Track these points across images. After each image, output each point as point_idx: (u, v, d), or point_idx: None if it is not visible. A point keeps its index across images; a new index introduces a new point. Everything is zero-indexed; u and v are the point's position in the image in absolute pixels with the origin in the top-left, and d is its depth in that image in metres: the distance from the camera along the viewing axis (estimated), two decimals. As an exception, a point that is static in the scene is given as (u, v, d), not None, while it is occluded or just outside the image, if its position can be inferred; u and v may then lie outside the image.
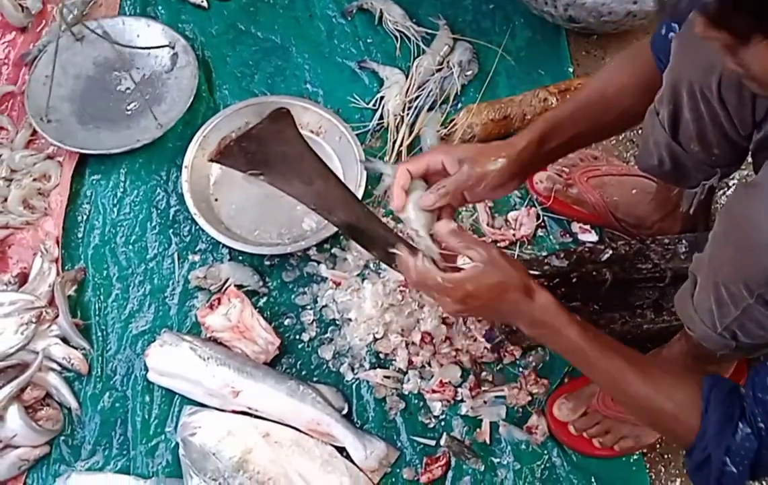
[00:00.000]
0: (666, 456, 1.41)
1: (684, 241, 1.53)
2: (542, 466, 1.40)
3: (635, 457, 1.40)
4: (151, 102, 1.82)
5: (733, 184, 1.71)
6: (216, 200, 1.71)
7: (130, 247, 1.65)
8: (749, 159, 1.34)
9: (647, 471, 1.39)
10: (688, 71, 1.25)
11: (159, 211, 1.69)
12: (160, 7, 2.04)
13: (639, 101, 1.33)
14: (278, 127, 1.15)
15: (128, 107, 1.85)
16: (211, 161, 1.14)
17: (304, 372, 1.50)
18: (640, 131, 1.79)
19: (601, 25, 1.88)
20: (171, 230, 1.66)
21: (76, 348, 1.50)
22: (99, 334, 1.53)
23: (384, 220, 1.53)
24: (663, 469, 1.40)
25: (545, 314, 1.16)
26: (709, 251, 1.12)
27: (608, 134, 1.49)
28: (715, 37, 0.88)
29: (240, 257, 1.62)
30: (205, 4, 2.05)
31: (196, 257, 1.63)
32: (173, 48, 1.92)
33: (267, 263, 1.62)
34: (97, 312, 1.56)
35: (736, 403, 1.06)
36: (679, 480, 1.39)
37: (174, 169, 1.75)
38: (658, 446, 1.41)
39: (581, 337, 1.15)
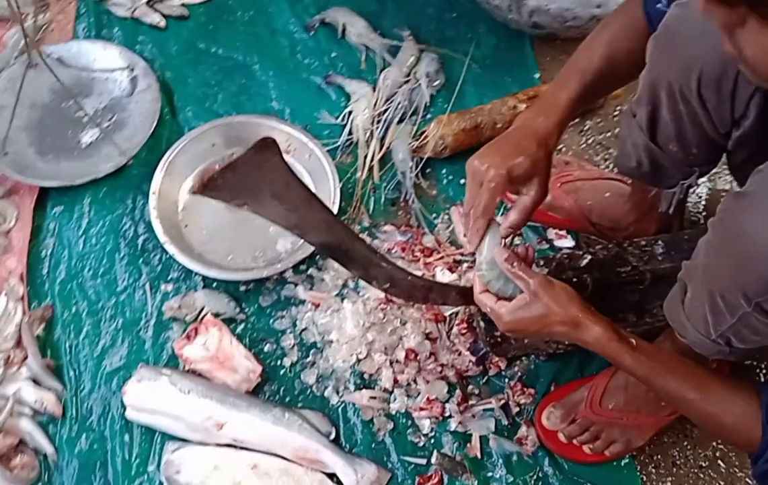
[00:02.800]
0: (656, 458, 1.44)
1: (660, 242, 1.56)
2: (534, 477, 1.41)
3: (626, 461, 1.43)
4: (112, 129, 1.80)
5: (704, 184, 1.75)
6: (186, 226, 1.69)
7: (99, 280, 1.62)
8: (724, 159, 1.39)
9: (638, 473, 1.42)
10: (666, 72, 1.28)
11: (127, 241, 1.67)
12: (115, 29, 2.02)
13: (644, 62, 1.34)
14: (263, 156, 1.14)
15: (89, 135, 1.81)
16: (195, 193, 1.13)
17: (288, 399, 1.49)
18: (608, 135, 1.84)
19: (566, 30, 1.92)
20: (141, 260, 1.64)
21: (48, 390, 1.47)
22: (72, 373, 1.50)
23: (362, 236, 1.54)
24: (654, 471, 1.43)
25: (597, 347, 1.20)
26: (703, 261, 1.13)
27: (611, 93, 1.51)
28: (713, 13, 0.89)
29: (214, 284, 1.61)
30: (162, 24, 2.04)
31: (169, 287, 1.61)
32: (132, 71, 1.89)
33: (242, 288, 1.61)
34: (68, 351, 1.53)
35: None
36: (669, 479, 1.42)
37: (140, 196, 1.72)
38: (647, 448, 1.44)
39: (635, 366, 1.18)
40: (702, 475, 1.42)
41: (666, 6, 1.27)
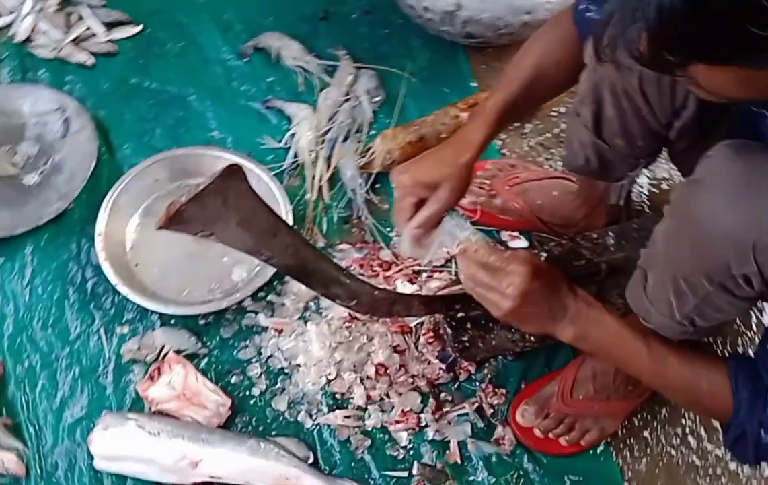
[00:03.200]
0: (629, 441, 1.48)
1: (611, 233, 1.62)
2: (515, 475, 1.43)
3: (601, 448, 1.46)
4: (49, 173, 1.75)
5: (642, 173, 1.82)
6: (136, 265, 1.65)
7: (50, 330, 1.56)
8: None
9: (614, 459, 1.45)
10: (607, 73, 1.33)
11: (75, 287, 1.62)
12: (41, 71, 1.97)
13: (572, 72, 1.39)
14: (229, 184, 1.11)
15: (25, 182, 1.75)
16: (161, 228, 1.09)
17: (261, 428, 1.46)
18: (549, 136, 1.90)
19: (498, 38, 1.97)
20: (92, 305, 1.59)
21: (7, 450, 1.40)
22: (31, 430, 1.44)
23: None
24: (629, 454, 1.46)
25: (587, 306, 1.23)
26: (664, 249, 1.17)
27: (542, 105, 1.56)
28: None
29: (172, 321, 1.57)
30: (90, 62, 2.00)
31: (125, 329, 1.56)
32: (64, 112, 1.84)
33: (202, 322, 1.58)
34: (24, 407, 1.46)
35: (760, 379, 1.13)
36: (645, 460, 1.46)
37: (84, 240, 1.67)
38: (620, 433, 1.48)
39: (622, 327, 1.22)
40: (674, 452, 1.47)
41: (596, 13, 1.31)
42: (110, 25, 2.09)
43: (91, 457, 1.39)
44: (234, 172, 1.11)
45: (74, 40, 2.03)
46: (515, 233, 1.73)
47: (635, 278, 1.29)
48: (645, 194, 1.80)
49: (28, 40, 2.05)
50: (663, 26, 0.81)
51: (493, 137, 1.37)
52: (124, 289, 1.57)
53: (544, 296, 1.21)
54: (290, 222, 1.65)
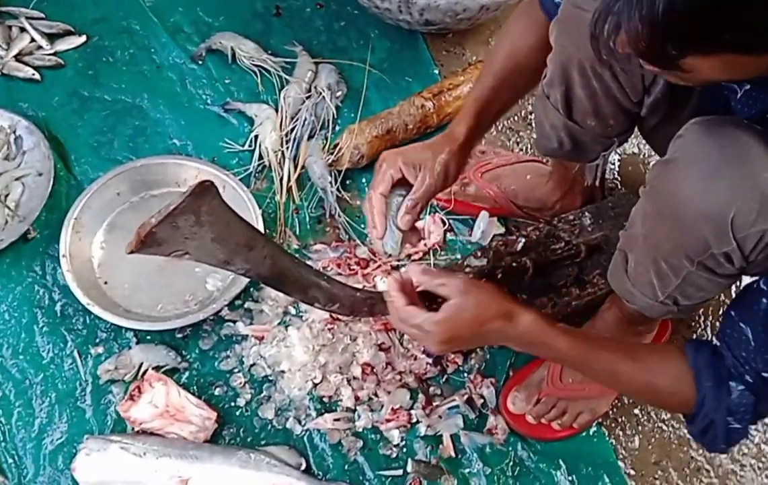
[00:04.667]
0: (620, 420, 1.52)
1: (587, 213, 1.65)
2: (510, 463, 1.45)
3: (594, 430, 1.50)
4: (4, 196, 1.71)
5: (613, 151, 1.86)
6: (106, 283, 1.63)
7: (21, 357, 1.53)
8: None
9: (607, 438, 1.49)
10: (575, 52, 1.36)
11: (43, 310, 1.59)
12: (-16, 89, 1.92)
13: (542, 59, 1.42)
14: (201, 201, 1.10)
15: (-20, 207, 1.72)
16: (132, 252, 1.08)
17: (249, 438, 1.46)
18: (516, 119, 1.93)
19: (457, 23, 1.99)
20: (63, 327, 1.57)
21: (-13, 484, 1.38)
22: (10, 461, 1.42)
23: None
24: (621, 433, 1.51)
25: (531, 335, 1.23)
26: (642, 231, 1.20)
27: (526, 93, 1.58)
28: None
29: (148, 337, 1.56)
30: (36, 76, 1.95)
31: (99, 349, 1.54)
32: (15, 131, 1.80)
33: (179, 336, 1.56)
34: (1, 438, 1.44)
35: (721, 364, 1.16)
36: (637, 437, 1.50)
37: (48, 261, 1.65)
38: (611, 413, 1.52)
39: (571, 347, 1.23)
40: (665, 427, 1.52)
41: None
42: (53, 37, 2.05)
43: (76, 484, 1.38)
44: (206, 188, 1.09)
45: (17, 55, 1.99)
46: (492, 219, 1.75)
47: (616, 260, 1.32)
48: (616, 171, 1.84)
49: (-33, 57, 2.00)
50: (665, 19, 0.84)
51: (479, 131, 1.40)
52: (95, 309, 1.54)
53: (470, 341, 1.26)
54: (261, 228, 1.64)
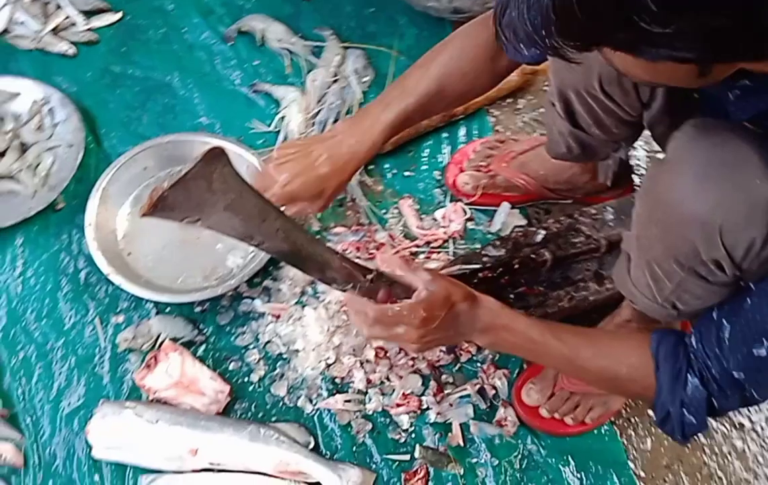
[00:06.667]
0: (633, 420, 1.53)
1: (609, 208, 1.68)
2: (519, 456, 1.48)
3: (606, 428, 1.51)
4: (36, 164, 1.78)
5: (640, 147, 1.88)
6: (129, 254, 1.70)
7: (44, 321, 1.60)
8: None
9: (619, 438, 1.51)
10: (568, 78, 1.40)
11: (68, 277, 1.66)
12: (22, 63, 2.00)
13: (478, 84, 1.44)
14: (212, 167, 1.13)
15: (12, 174, 1.79)
16: (145, 215, 1.12)
17: (260, 414, 1.51)
18: (543, 111, 1.95)
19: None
20: (86, 295, 1.64)
21: (5, 441, 1.45)
22: (29, 420, 1.49)
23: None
24: (633, 433, 1.52)
25: (492, 315, 1.24)
26: (636, 232, 1.22)
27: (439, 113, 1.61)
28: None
29: (167, 309, 1.62)
30: (71, 51, 2.03)
31: (120, 318, 1.61)
32: (48, 103, 1.88)
33: (198, 309, 1.62)
34: (21, 398, 1.51)
35: (682, 357, 1.16)
36: (649, 439, 1.52)
37: (75, 230, 1.72)
38: (624, 413, 1.54)
39: (530, 327, 1.24)
40: (678, 429, 1.53)
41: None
42: (89, 14, 2.13)
43: (89, 446, 1.44)
44: (216, 155, 1.13)
45: (53, 29, 2.07)
46: (514, 211, 1.78)
47: (620, 261, 1.34)
48: (643, 167, 1.86)
49: (5, 31, 2.08)
50: (556, 18, 0.83)
51: (382, 146, 1.44)
52: (117, 278, 1.61)
53: (445, 326, 1.22)
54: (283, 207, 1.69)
